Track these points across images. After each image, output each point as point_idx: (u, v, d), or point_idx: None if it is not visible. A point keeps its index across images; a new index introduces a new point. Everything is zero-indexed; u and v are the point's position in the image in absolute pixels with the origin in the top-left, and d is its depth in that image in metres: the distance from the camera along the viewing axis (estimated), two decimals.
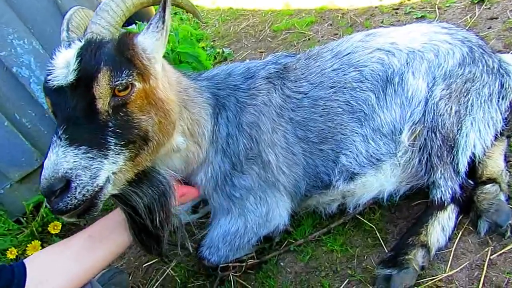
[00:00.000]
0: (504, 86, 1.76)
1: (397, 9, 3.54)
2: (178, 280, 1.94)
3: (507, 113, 1.86)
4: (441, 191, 1.62)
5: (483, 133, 1.65)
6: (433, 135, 1.61)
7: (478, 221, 1.60)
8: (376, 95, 1.68)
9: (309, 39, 3.68)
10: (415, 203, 1.82)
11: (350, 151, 1.70)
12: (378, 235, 1.74)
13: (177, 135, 1.46)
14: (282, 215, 1.79)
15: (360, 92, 1.70)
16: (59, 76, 1.14)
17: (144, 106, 1.24)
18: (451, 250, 1.58)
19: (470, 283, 1.46)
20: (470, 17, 2.87)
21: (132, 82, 1.19)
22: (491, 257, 1.50)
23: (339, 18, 3.83)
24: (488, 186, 1.63)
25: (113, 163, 1.15)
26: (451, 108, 1.61)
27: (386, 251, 1.67)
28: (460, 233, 1.62)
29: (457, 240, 1.60)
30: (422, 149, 1.63)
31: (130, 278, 2.05)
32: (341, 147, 1.70)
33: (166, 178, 1.40)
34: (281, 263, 1.83)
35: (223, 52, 4.00)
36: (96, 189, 1.11)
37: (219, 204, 1.77)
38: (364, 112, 1.69)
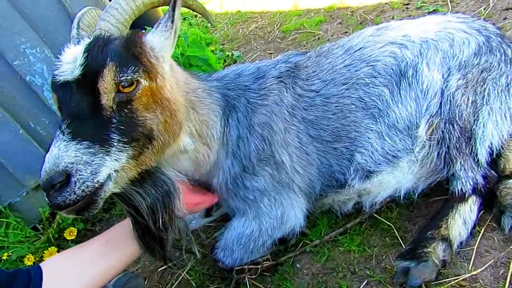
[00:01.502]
0: None
1: (408, 4, 3.48)
2: (194, 284, 1.92)
3: None
4: (462, 182, 1.58)
5: (500, 123, 1.60)
6: (451, 126, 1.57)
7: (502, 217, 1.54)
8: (390, 90, 1.64)
9: (318, 38, 3.65)
10: (434, 200, 1.77)
11: (365, 149, 1.67)
12: (396, 234, 1.70)
13: (185, 136, 1.44)
14: (298, 217, 1.76)
15: (374, 87, 1.66)
16: (66, 71, 1.14)
17: (149, 104, 1.22)
18: (474, 248, 1.52)
19: (495, 281, 1.40)
20: (484, 9, 2.80)
21: (138, 79, 1.18)
22: None
23: (348, 16, 3.78)
24: (510, 181, 1.57)
25: (116, 160, 1.13)
26: (468, 98, 1.57)
27: None
28: (483, 229, 1.56)
29: (479, 238, 1.55)
30: (440, 142, 1.59)
31: (145, 283, 2.04)
32: (355, 145, 1.67)
33: (171, 179, 1.38)
34: (297, 265, 1.80)
35: (232, 55, 4.00)
36: (96, 185, 1.08)
37: (234, 207, 1.75)
38: (378, 108, 1.65)
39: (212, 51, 4.08)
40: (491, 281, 1.41)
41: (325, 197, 1.79)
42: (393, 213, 1.78)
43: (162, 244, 1.38)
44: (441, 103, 1.59)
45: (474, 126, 1.58)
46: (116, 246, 1.35)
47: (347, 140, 1.67)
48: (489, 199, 1.60)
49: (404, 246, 1.64)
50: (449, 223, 1.55)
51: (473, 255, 1.51)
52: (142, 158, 1.23)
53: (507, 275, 1.39)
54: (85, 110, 1.12)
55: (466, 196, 1.58)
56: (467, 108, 1.57)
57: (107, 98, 1.14)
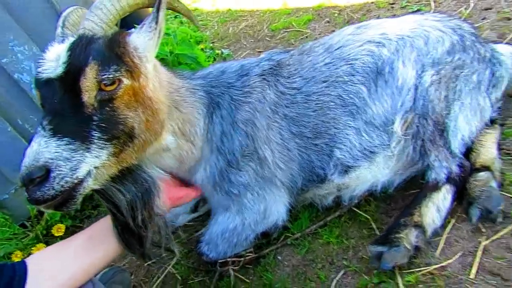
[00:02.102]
0: (495, 75, 1.79)
1: (393, 3, 3.54)
2: (179, 277, 1.97)
3: (500, 102, 1.87)
4: (436, 172, 1.64)
5: (470, 118, 1.68)
6: (425, 121, 1.62)
7: (470, 208, 1.61)
8: (368, 87, 1.70)
9: (306, 37, 3.70)
10: (410, 193, 1.83)
11: (344, 145, 1.72)
12: (373, 225, 1.76)
13: (167, 135, 1.48)
14: (280, 211, 1.81)
15: (352, 85, 1.71)
16: (49, 69, 1.17)
17: (131, 103, 1.25)
18: (444, 238, 1.59)
19: (463, 269, 1.47)
20: (465, 9, 2.87)
21: (120, 78, 1.21)
22: (484, 243, 1.50)
23: (336, 15, 3.84)
24: (481, 173, 1.64)
25: (96, 157, 1.15)
26: (440, 94, 1.63)
27: None
28: (454, 221, 1.63)
29: (449, 228, 1.61)
30: (415, 136, 1.64)
31: (132, 277, 2.08)
32: (335, 141, 1.72)
33: (152, 177, 1.41)
34: (279, 257, 1.86)
35: (222, 53, 4.04)
36: (76, 181, 1.11)
37: (218, 202, 1.80)
38: (356, 105, 1.70)
39: (202, 49, 4.12)
40: (459, 269, 1.48)
41: (307, 191, 1.85)
42: (371, 206, 1.84)
43: (141, 241, 1.40)
44: (415, 98, 1.64)
45: (446, 120, 1.64)
46: (100, 241, 1.37)
47: (327, 137, 1.72)
48: (464, 184, 1.66)
49: None
50: (422, 210, 1.60)
51: (442, 245, 1.59)
52: (123, 156, 1.26)
53: (473, 263, 1.46)
54: (67, 107, 1.15)
55: (440, 185, 1.63)
56: (439, 102, 1.62)
57: (89, 96, 1.16)
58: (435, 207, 1.60)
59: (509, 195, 1.64)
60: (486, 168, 1.66)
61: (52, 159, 1.07)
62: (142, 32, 1.32)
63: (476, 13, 2.76)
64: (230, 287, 1.81)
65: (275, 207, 1.80)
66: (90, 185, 1.18)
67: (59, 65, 1.16)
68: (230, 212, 1.80)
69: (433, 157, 1.63)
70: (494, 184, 1.61)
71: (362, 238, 1.74)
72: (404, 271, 1.54)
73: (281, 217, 1.82)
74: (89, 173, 1.15)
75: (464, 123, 1.67)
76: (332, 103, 1.72)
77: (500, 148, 1.80)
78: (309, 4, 4.27)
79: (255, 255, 1.87)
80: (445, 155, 1.63)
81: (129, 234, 1.37)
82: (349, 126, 1.71)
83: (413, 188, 1.83)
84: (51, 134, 1.10)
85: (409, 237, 1.54)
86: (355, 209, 1.86)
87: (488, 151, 1.71)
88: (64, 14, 1.42)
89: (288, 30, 3.95)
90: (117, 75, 1.20)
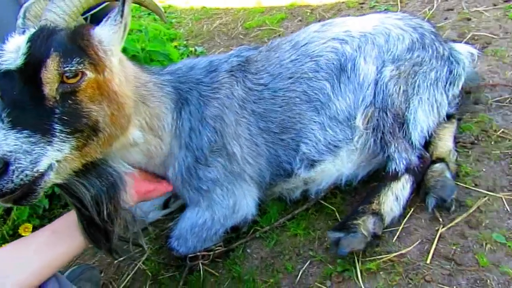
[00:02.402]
0: (452, 73, 1.85)
1: (363, 3, 3.64)
2: (149, 273, 1.96)
3: (458, 98, 1.96)
4: (395, 162, 1.68)
5: (428, 113, 1.74)
6: (384, 114, 1.68)
7: (426, 197, 1.69)
8: (331, 83, 1.75)
9: (279, 35, 3.75)
10: (374, 185, 1.88)
11: (309, 140, 1.76)
12: (338, 217, 1.82)
13: (134, 130, 1.47)
14: (250, 205, 1.84)
15: (316, 81, 1.76)
16: (9, 60, 1.14)
17: (95, 96, 1.24)
18: (403, 227, 1.66)
19: (421, 256, 1.54)
20: (429, 9, 2.99)
21: (83, 71, 1.19)
22: (441, 231, 1.58)
23: (308, 14, 3.91)
24: (436, 165, 1.73)
25: (58, 150, 1.13)
26: (399, 88, 1.69)
27: None
28: (412, 210, 1.70)
29: (409, 218, 1.69)
30: (375, 129, 1.70)
31: (102, 275, 2.06)
32: (300, 136, 1.76)
33: (118, 171, 1.39)
34: (248, 250, 1.89)
35: (195, 50, 4.03)
36: (36, 174, 1.08)
37: (188, 197, 1.81)
38: (320, 101, 1.75)
39: (176, 46, 4.09)
40: (417, 256, 1.55)
41: (275, 185, 1.89)
42: (337, 199, 1.89)
43: (108, 236, 1.38)
44: (375, 93, 1.70)
45: (406, 113, 1.71)
46: (63, 236, 1.35)
47: (293, 132, 1.76)
48: (423, 175, 1.73)
49: None
50: (381, 199, 1.65)
51: (397, 233, 1.66)
52: (86, 150, 1.24)
53: (430, 250, 1.53)
54: (27, 99, 1.12)
55: (399, 175, 1.68)
56: (398, 96, 1.68)
57: (50, 88, 1.14)
58: (394, 196, 1.65)
59: (464, 185, 1.73)
60: (441, 160, 1.74)
61: (11, 151, 1.04)
62: (107, 26, 1.31)
63: (438, 14, 2.88)
64: (200, 281, 1.83)
65: (245, 202, 1.82)
66: (52, 179, 1.15)
67: (19, 56, 1.13)
68: (199, 207, 1.81)
69: (393, 148, 1.68)
70: (448, 174, 1.69)
71: (327, 229, 1.79)
72: (366, 259, 1.60)
73: (250, 211, 1.85)
74: (50, 167, 1.13)
75: (423, 116, 1.73)
76: (297, 99, 1.76)
77: (457, 141, 1.90)
78: (282, 3, 4.32)
79: (224, 248, 1.90)
80: (405, 147, 1.69)
81: (95, 229, 1.36)
82: (314, 121, 1.76)
83: (377, 180, 1.89)
84: (10, 127, 1.07)
85: (367, 224, 1.59)
86: (321, 201, 1.91)
87: (445, 144, 1.80)
88: (26, 5, 1.38)
89: (262, 28, 3.99)
90: (80, 67, 1.18)
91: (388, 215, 1.64)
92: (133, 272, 2.02)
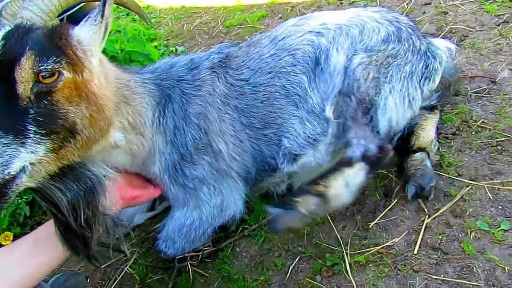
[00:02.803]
0: (428, 68, 1.82)
1: (342, 0, 3.67)
2: (137, 277, 1.93)
3: (439, 92, 1.98)
4: (352, 149, 1.62)
5: (399, 104, 1.71)
6: (348, 99, 1.64)
7: (406, 185, 1.71)
8: (308, 77, 1.74)
9: (260, 33, 3.73)
10: None
11: (290, 134, 1.76)
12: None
13: (115, 132, 1.42)
14: (237, 203, 1.82)
15: (294, 75, 1.75)
16: None
17: (72, 97, 1.19)
18: (390, 219, 1.68)
19: (408, 247, 1.56)
20: (407, 4, 3.03)
21: (60, 70, 1.14)
22: (426, 221, 1.61)
23: (288, 11, 3.91)
24: (417, 154, 1.75)
25: (32, 152, 1.08)
26: (368, 73, 1.66)
27: (333, 226, 1.75)
28: (396, 201, 1.73)
29: (394, 210, 1.71)
30: (339, 116, 1.68)
31: (88, 281, 2.01)
32: (282, 130, 1.76)
33: (97, 175, 1.33)
34: (237, 249, 1.87)
35: (176, 50, 3.98)
36: (7, 177, 1.02)
37: (175, 196, 1.78)
38: (299, 95, 1.74)
39: (156, 46, 4.03)
40: (405, 247, 1.57)
41: (261, 181, 1.88)
42: None
43: (86, 242, 1.33)
44: (343, 81, 1.67)
45: (376, 98, 1.66)
46: (45, 245, 1.31)
47: (275, 127, 1.75)
48: (377, 164, 1.68)
49: (332, 223, 1.77)
50: (329, 182, 1.56)
51: (390, 225, 1.68)
52: (63, 152, 1.19)
53: (417, 240, 1.55)
54: (0, 98, 1.06)
55: (353, 161, 1.60)
56: (365, 81, 1.65)
57: (24, 87, 1.09)
58: (344, 181, 1.57)
59: (448, 175, 1.76)
60: (422, 149, 1.77)
61: None
62: (86, 26, 1.27)
63: (416, 8, 2.92)
64: (189, 283, 1.80)
65: (232, 200, 1.81)
66: (25, 182, 1.10)
67: None
68: (186, 207, 1.79)
69: (352, 134, 1.63)
70: (428, 163, 1.72)
71: (315, 225, 1.80)
72: (355, 252, 1.62)
73: (238, 209, 1.83)
74: (23, 169, 1.07)
75: (393, 105, 1.69)
76: (277, 94, 1.75)
77: (439, 133, 1.93)
78: (262, 1, 4.31)
79: (213, 248, 1.88)
80: (365, 134, 1.63)
81: (72, 235, 1.30)
82: (294, 116, 1.75)
83: None
84: None
85: (308, 203, 1.52)
86: None
87: (427, 134, 1.82)
88: (2, 3, 1.32)
89: (243, 26, 3.97)
90: (56, 67, 1.13)
91: (333, 199, 1.54)
92: (120, 276, 1.97)
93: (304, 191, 1.57)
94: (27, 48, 1.09)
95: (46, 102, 1.13)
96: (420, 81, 1.78)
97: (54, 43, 1.16)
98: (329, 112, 1.71)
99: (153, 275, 1.92)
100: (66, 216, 1.22)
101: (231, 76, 1.78)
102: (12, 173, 1.03)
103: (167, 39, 4.39)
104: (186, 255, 1.83)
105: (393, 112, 1.70)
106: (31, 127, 1.07)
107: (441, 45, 1.95)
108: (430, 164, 1.73)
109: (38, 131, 1.09)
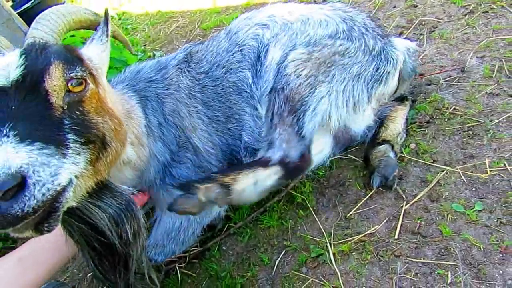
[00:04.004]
0: (379, 70, 1.72)
1: None
2: None
3: (395, 96, 1.99)
4: (273, 150, 1.59)
5: (340, 107, 1.63)
6: (276, 94, 1.61)
7: (372, 177, 1.75)
8: (252, 72, 1.75)
9: None
10: (341, 171, 1.95)
11: (247, 129, 1.77)
12: (308, 205, 1.85)
13: (128, 147, 1.42)
14: None
15: (241, 71, 1.77)
16: None
17: (99, 109, 1.18)
18: (370, 208, 1.73)
19: (389, 233, 1.60)
20: None
21: (86, 79, 1.14)
22: (405, 207, 1.65)
23: None
24: (380, 146, 1.78)
25: (74, 163, 1.00)
26: (302, 70, 1.59)
27: (316, 218, 1.78)
28: (374, 191, 1.77)
29: (373, 198, 1.75)
30: (267, 111, 1.66)
31: None
32: (241, 125, 1.77)
33: (125, 191, 1.27)
34: (223, 247, 1.89)
35: (154, 55, 3.97)
36: (58, 188, 0.92)
37: (163, 200, 1.75)
38: (246, 91, 1.76)
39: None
40: (386, 233, 1.61)
41: None
42: (306, 187, 1.93)
43: (127, 265, 1.23)
44: (275, 77, 1.64)
45: (307, 98, 1.58)
46: (31, 263, 1.30)
47: (235, 121, 1.77)
48: (367, 163, 1.77)
49: (315, 215, 1.80)
50: (239, 176, 1.52)
51: (371, 213, 1.72)
52: (98, 166, 1.14)
53: (397, 226, 1.60)
54: (31, 112, 0.99)
55: (269, 164, 1.57)
56: (297, 78, 1.58)
57: (57, 96, 1.05)
58: (254, 180, 1.53)
59: (423, 161, 1.81)
60: (387, 142, 1.80)
61: (27, 164, 0.86)
62: (93, 45, 1.31)
63: (387, 2, 2.99)
64: (178, 284, 1.81)
65: None
66: (71, 197, 1.01)
67: (13, 70, 1.03)
68: None
69: (277, 134, 1.59)
70: (391, 154, 1.76)
71: (299, 218, 1.83)
72: (338, 242, 1.65)
73: (223, 207, 1.84)
74: (70, 182, 0.99)
75: (332, 109, 1.61)
76: (230, 89, 1.77)
77: (414, 121, 1.99)
78: (238, 2, 4.34)
79: (200, 249, 1.89)
80: (288, 136, 1.58)
81: (110, 262, 1.24)
82: (245, 111, 1.76)
83: (342, 166, 1.96)
84: (18, 140, 0.89)
85: (209, 191, 1.48)
86: (291, 192, 1.94)
87: (395, 127, 1.85)
88: None
89: (219, 28, 3.98)
90: (84, 74, 1.14)
91: (237, 194, 1.50)
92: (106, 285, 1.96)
93: (211, 179, 1.53)
94: (53, 58, 1.09)
95: (78, 113, 1.10)
96: (368, 83, 1.69)
97: (75, 55, 1.17)
98: (261, 110, 1.71)
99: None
100: (108, 236, 1.16)
101: (193, 69, 1.79)
102: (62, 184, 0.94)
103: (144, 45, 4.38)
104: (174, 258, 1.83)
105: (332, 117, 1.63)
106: (70, 136, 1.02)
107: (401, 45, 1.86)
108: (394, 155, 1.76)
109: (78, 139, 1.04)
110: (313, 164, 1.70)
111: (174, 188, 1.54)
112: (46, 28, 1.21)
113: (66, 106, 1.07)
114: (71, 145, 1.01)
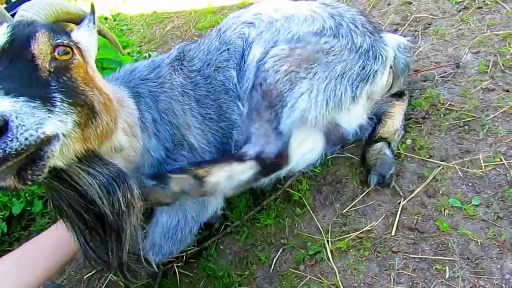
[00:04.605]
0: (365, 69, 1.65)
1: None
2: (122, 284, 1.91)
3: (392, 91, 1.98)
4: (249, 145, 1.57)
5: (320, 106, 1.57)
6: (254, 90, 1.60)
7: (369, 175, 1.74)
8: (236, 72, 1.74)
9: None
10: (337, 169, 1.94)
11: (237, 128, 1.76)
12: (305, 203, 1.84)
13: (119, 133, 1.40)
14: (218, 198, 1.81)
15: (227, 70, 1.76)
16: None
17: (86, 80, 1.18)
18: (367, 205, 1.72)
19: (386, 229, 1.60)
20: None
21: (72, 48, 1.15)
22: (402, 203, 1.65)
23: None
24: (376, 144, 1.77)
25: (61, 121, 0.98)
26: (281, 66, 1.56)
27: (313, 216, 1.77)
28: (371, 188, 1.76)
29: (370, 195, 1.75)
30: (247, 107, 1.65)
31: None
32: (231, 124, 1.77)
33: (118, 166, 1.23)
34: (221, 246, 1.88)
35: (149, 56, 3.96)
36: (42, 136, 0.90)
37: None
38: (232, 90, 1.75)
39: (129, 53, 4.00)
40: (383, 230, 1.61)
41: None
42: (303, 185, 1.92)
43: (120, 240, 1.17)
44: (255, 74, 1.63)
45: (286, 94, 1.55)
46: (30, 262, 1.29)
47: (226, 120, 1.76)
48: (364, 161, 1.75)
49: (312, 212, 1.80)
50: (213, 169, 1.52)
51: (369, 210, 1.71)
52: (87, 133, 1.12)
53: (394, 222, 1.59)
54: (17, 73, 1.00)
55: (245, 159, 1.56)
56: (276, 73, 1.55)
57: (43, 59, 1.07)
58: (228, 174, 1.52)
59: (420, 157, 1.81)
60: (383, 139, 1.78)
61: (10, 110, 0.85)
62: (82, 30, 1.31)
63: (382, 0, 2.99)
64: (175, 284, 1.80)
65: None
66: (57, 154, 0.99)
67: (0, 38, 1.04)
68: (171, 208, 1.77)
69: (253, 129, 1.58)
70: (387, 151, 1.74)
71: (296, 216, 1.82)
72: (335, 239, 1.65)
73: (219, 204, 1.82)
74: (57, 137, 0.97)
75: (311, 106, 1.56)
76: (219, 88, 1.77)
77: (410, 117, 1.99)
78: (233, 2, 4.33)
79: (197, 248, 1.88)
80: (265, 131, 1.56)
81: (100, 237, 1.18)
82: (234, 111, 1.76)
83: (339, 163, 1.95)
84: (2, 93, 0.89)
85: (182, 182, 1.48)
86: (288, 189, 1.93)
87: (393, 123, 1.82)
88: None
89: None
90: (71, 43, 1.16)
91: (210, 186, 1.50)
92: (104, 285, 1.95)
93: (184, 170, 1.52)
94: (39, 27, 1.12)
95: (65, 78, 1.11)
96: (353, 82, 1.63)
97: (62, 29, 1.20)
98: (243, 108, 1.70)
99: (138, 280, 1.90)
100: (99, 205, 1.11)
101: (185, 67, 1.79)
102: (46, 133, 0.92)
103: (140, 46, 4.36)
104: (171, 258, 1.82)
105: (311, 113, 1.57)
106: (57, 95, 1.02)
107: (392, 41, 1.79)
108: (390, 153, 1.74)
109: (65, 99, 1.03)
110: (305, 163, 1.70)
111: (147, 178, 1.51)
112: (34, 10, 1.22)
113: (52, 69, 1.08)
114: (58, 103, 1.00)
